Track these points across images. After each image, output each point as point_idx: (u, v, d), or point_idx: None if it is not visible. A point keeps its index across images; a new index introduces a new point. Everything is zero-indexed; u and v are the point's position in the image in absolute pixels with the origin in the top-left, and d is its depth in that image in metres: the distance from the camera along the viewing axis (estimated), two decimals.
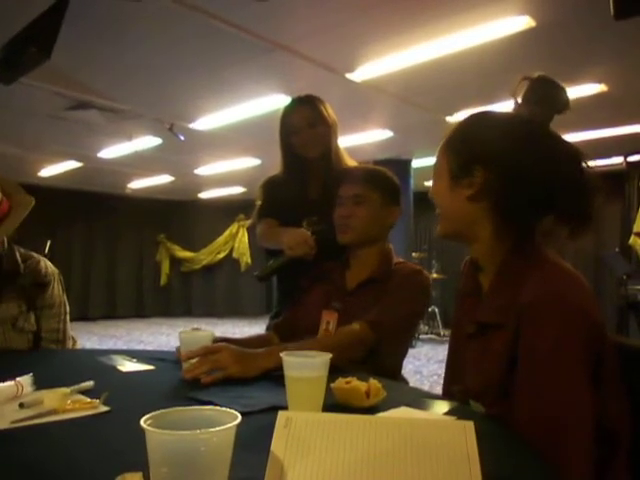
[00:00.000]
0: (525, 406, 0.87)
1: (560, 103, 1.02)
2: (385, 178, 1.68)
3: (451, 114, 5.31)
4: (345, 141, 6.33)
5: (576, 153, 0.99)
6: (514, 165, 0.98)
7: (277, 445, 0.55)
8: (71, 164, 7.92)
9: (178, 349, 1.37)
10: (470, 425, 0.53)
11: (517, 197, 0.99)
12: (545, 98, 1.02)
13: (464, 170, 1.02)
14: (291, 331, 1.68)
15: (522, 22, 3.37)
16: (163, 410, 0.53)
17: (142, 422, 0.50)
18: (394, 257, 1.65)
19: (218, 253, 11.50)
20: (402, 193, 1.71)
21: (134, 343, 7.81)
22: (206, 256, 11.54)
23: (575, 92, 4.42)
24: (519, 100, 1.05)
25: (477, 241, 1.05)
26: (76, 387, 1.06)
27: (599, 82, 4.36)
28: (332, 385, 0.97)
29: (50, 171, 8.37)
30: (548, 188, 0.98)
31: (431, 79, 4.36)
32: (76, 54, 3.79)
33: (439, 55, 3.84)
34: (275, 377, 1.16)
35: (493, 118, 1.08)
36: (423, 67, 4.05)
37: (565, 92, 1.02)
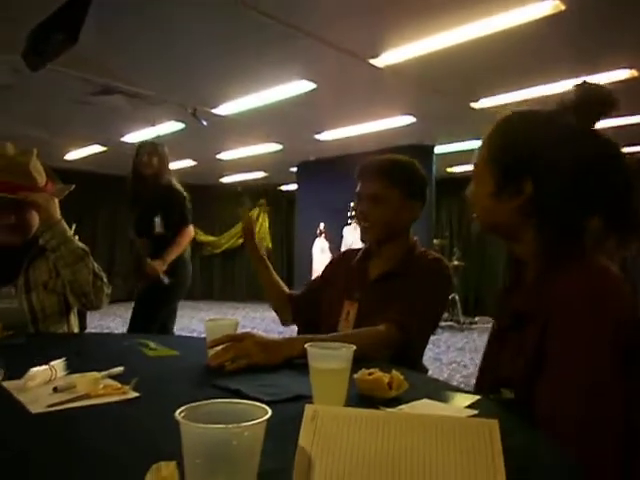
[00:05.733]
0: (551, 398, 0.88)
1: (604, 106, 0.99)
2: (407, 172, 1.61)
3: (476, 100, 5.23)
4: (367, 127, 6.33)
5: (620, 154, 0.98)
6: (562, 176, 0.97)
7: (305, 438, 0.57)
8: (96, 148, 8.03)
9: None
10: (495, 425, 0.54)
11: (565, 206, 0.98)
12: (586, 104, 0.99)
13: (511, 181, 1.00)
14: (311, 315, 1.73)
15: (551, 6, 3.29)
16: (196, 403, 0.55)
17: (177, 414, 0.52)
18: (417, 249, 1.64)
19: (239, 238, 11.59)
20: (426, 185, 1.64)
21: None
22: (227, 240, 11.64)
23: (605, 78, 4.32)
24: (562, 104, 1.02)
25: (519, 241, 1.05)
26: (106, 372, 1.10)
27: (630, 67, 4.26)
28: (355, 376, 0.98)
29: (76, 154, 8.49)
30: (596, 195, 0.97)
31: (456, 64, 4.29)
32: (101, 40, 3.82)
33: (465, 40, 3.78)
34: (298, 366, 1.18)
35: (536, 123, 1.03)
36: (448, 52, 3.99)
37: (609, 93, 0.99)
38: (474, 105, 5.36)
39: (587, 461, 0.79)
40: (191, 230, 3.70)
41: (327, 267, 1.85)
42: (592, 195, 0.97)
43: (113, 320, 7.88)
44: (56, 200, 1.77)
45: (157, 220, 3.53)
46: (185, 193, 3.71)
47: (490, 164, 1.04)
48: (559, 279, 0.93)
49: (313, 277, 8.03)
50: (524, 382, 0.94)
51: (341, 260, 1.81)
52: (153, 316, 3.50)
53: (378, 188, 1.58)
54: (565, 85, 4.53)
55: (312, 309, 1.74)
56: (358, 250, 1.73)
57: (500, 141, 1.04)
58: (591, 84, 1.01)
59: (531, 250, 1.03)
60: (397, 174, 1.59)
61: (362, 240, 1.67)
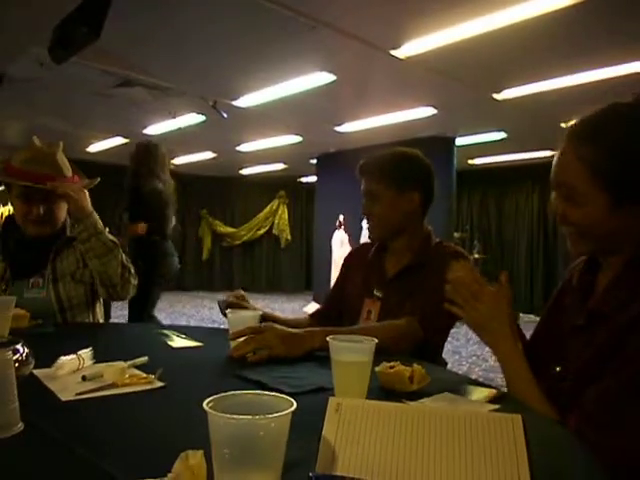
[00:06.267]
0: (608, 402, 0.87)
1: None
2: (395, 165, 1.58)
3: (498, 91, 5.16)
4: (387, 119, 6.29)
5: None
6: None
7: (328, 430, 0.58)
8: (118, 140, 8.12)
9: None
10: (518, 419, 0.54)
11: None
12: None
13: (632, 190, 0.92)
14: (329, 317, 1.72)
15: None
16: (223, 394, 0.56)
17: (205, 405, 0.53)
18: (433, 239, 1.63)
19: (258, 229, 11.65)
20: (428, 174, 1.61)
21: (176, 315, 8.05)
22: (246, 232, 11.70)
23: (630, 68, 4.24)
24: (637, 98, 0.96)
25: (619, 251, 0.99)
26: (132, 362, 1.12)
27: None
28: (376, 369, 0.99)
29: (98, 147, 8.60)
30: None
31: (478, 55, 4.23)
32: (122, 32, 3.84)
33: (487, 30, 3.71)
34: (319, 358, 1.19)
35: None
36: (470, 42, 3.92)
37: None
38: (496, 96, 5.27)
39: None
40: (139, 227, 4.07)
41: (342, 267, 1.84)
42: None
43: None
44: (87, 192, 1.80)
45: (125, 215, 4.07)
46: (160, 197, 4.22)
47: (601, 179, 0.93)
48: None
49: (332, 268, 8.08)
50: (587, 373, 0.93)
51: (356, 255, 1.81)
52: (143, 305, 3.91)
53: (370, 184, 1.59)
54: (588, 76, 4.45)
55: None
56: (373, 244, 1.73)
57: (609, 150, 0.93)
58: None
59: (627, 257, 0.97)
60: (385, 169, 1.58)
61: (369, 239, 1.68)
